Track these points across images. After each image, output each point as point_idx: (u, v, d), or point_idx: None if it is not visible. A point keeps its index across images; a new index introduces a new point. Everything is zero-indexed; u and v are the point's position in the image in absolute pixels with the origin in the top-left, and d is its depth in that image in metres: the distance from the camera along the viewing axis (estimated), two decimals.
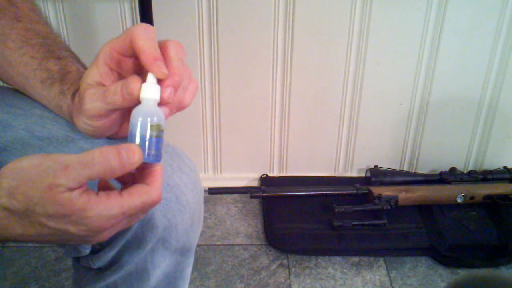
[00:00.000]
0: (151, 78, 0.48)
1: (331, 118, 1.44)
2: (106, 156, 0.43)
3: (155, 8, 1.17)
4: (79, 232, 0.45)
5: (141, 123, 0.47)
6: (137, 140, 0.47)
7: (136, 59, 0.51)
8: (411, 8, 1.29)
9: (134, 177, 0.50)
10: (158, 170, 0.48)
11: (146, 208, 0.47)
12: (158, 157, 0.48)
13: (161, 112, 0.48)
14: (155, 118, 0.47)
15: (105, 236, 0.47)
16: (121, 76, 0.53)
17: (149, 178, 0.48)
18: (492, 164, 1.50)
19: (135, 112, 0.48)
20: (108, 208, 0.44)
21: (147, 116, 0.47)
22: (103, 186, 0.49)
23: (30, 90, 0.59)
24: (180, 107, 0.52)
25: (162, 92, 0.48)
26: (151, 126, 0.47)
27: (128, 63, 0.51)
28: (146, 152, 0.47)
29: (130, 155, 0.44)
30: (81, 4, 1.26)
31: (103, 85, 0.51)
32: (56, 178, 0.42)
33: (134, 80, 0.48)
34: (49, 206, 0.43)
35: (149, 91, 0.48)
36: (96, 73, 0.51)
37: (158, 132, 0.47)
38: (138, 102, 0.48)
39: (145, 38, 0.48)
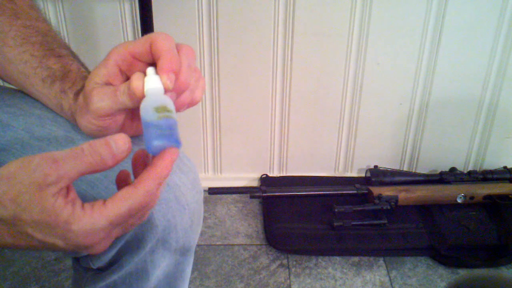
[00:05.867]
0: (150, 71, 0.49)
1: (331, 118, 1.44)
2: (95, 146, 0.43)
3: (155, 8, 1.18)
4: (67, 247, 0.44)
5: (145, 110, 0.47)
6: (145, 127, 0.46)
7: (148, 65, 0.51)
8: (411, 8, 1.29)
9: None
10: (150, 169, 0.45)
11: (135, 213, 0.45)
12: (172, 138, 0.45)
13: (166, 96, 0.48)
14: (158, 102, 0.47)
15: (99, 248, 0.46)
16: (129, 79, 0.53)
17: (138, 178, 0.45)
18: (492, 164, 1.50)
19: (141, 104, 0.48)
20: (92, 222, 0.43)
21: (150, 102, 0.47)
22: (121, 179, 0.48)
23: (30, 88, 0.58)
24: (191, 104, 0.53)
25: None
26: (155, 108, 0.46)
27: (140, 67, 0.51)
28: (156, 135, 0.45)
29: (119, 143, 0.43)
30: (81, 4, 1.26)
31: (111, 85, 0.51)
32: (46, 176, 0.41)
33: (136, 78, 0.49)
34: (35, 212, 0.41)
35: (151, 82, 0.48)
36: (105, 73, 0.51)
37: (166, 112, 0.46)
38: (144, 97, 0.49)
39: (167, 45, 0.49)
